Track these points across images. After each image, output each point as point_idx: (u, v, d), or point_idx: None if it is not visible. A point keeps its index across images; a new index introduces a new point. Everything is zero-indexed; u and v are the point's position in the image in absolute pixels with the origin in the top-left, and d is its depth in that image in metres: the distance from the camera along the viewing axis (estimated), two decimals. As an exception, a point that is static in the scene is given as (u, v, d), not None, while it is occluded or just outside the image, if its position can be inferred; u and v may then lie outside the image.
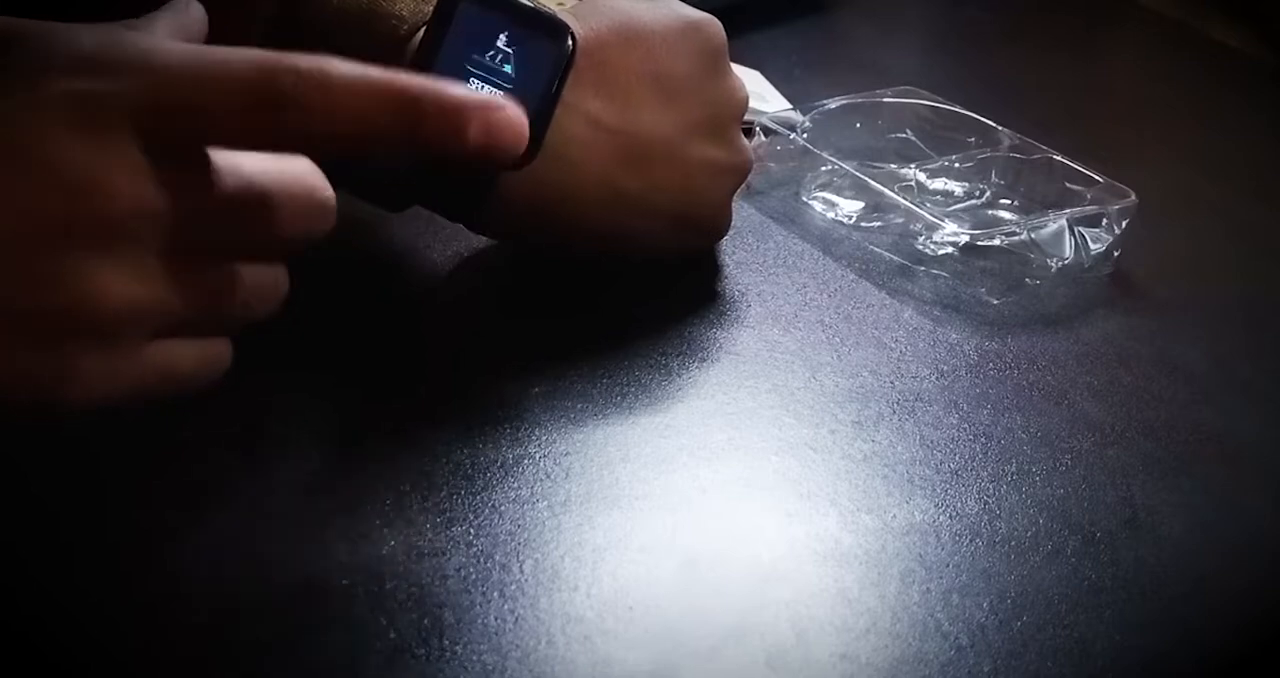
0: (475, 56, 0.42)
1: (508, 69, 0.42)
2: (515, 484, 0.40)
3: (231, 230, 0.33)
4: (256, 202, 0.33)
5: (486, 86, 0.41)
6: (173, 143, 0.32)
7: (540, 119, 0.41)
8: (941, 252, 0.53)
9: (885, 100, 0.62)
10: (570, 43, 0.42)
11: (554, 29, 0.42)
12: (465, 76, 0.41)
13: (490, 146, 0.33)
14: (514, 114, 0.33)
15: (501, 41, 0.42)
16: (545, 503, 0.39)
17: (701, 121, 0.47)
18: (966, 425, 0.44)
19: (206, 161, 0.32)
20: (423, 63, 0.41)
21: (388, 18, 0.44)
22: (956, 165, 0.59)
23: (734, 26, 0.50)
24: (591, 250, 0.48)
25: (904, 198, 0.55)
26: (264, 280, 0.34)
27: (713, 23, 0.48)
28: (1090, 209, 0.54)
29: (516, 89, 0.41)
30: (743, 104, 0.49)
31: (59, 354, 0.30)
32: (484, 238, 0.51)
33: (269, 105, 0.32)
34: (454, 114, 0.33)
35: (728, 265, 0.53)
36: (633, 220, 0.47)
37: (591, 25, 0.45)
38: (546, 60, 0.42)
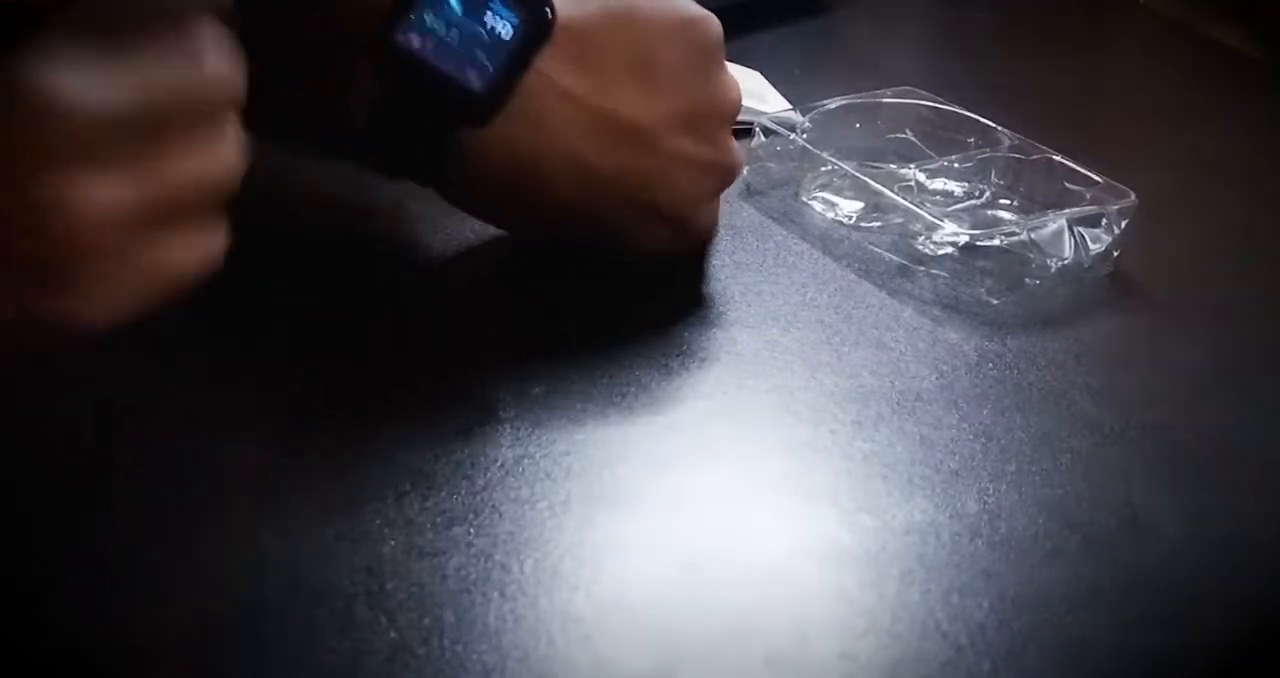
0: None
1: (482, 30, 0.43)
2: (515, 484, 0.40)
3: (168, 109, 0.32)
4: (181, 75, 0.32)
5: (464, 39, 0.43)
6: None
7: (504, 79, 0.43)
8: (941, 252, 0.53)
9: (885, 101, 0.62)
10: (549, 13, 0.44)
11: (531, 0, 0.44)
12: (444, 32, 0.43)
13: None
14: None
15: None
16: (545, 503, 0.39)
17: (685, 115, 0.47)
18: (966, 425, 0.44)
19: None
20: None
21: None
22: (956, 165, 0.59)
23: (735, 26, 0.50)
24: (568, 235, 0.48)
25: (904, 198, 0.55)
26: (215, 149, 0.33)
27: (709, 19, 0.47)
28: (1090, 209, 0.54)
29: (487, 48, 0.43)
30: (734, 105, 0.48)
31: (49, 272, 0.30)
32: (482, 236, 0.51)
33: None
34: None
35: (728, 265, 0.52)
36: (604, 204, 0.47)
37: (583, 7, 0.45)
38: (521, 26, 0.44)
